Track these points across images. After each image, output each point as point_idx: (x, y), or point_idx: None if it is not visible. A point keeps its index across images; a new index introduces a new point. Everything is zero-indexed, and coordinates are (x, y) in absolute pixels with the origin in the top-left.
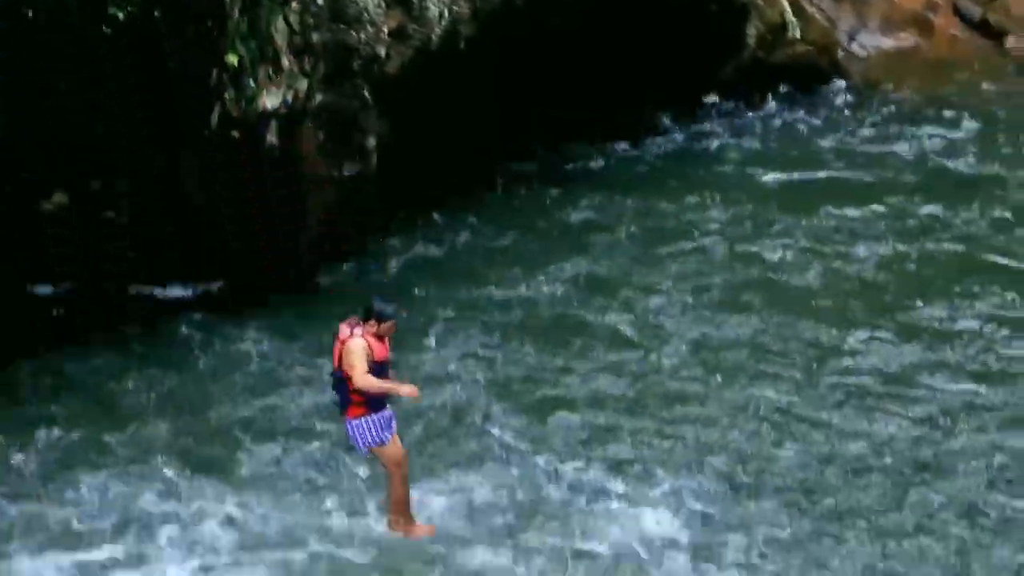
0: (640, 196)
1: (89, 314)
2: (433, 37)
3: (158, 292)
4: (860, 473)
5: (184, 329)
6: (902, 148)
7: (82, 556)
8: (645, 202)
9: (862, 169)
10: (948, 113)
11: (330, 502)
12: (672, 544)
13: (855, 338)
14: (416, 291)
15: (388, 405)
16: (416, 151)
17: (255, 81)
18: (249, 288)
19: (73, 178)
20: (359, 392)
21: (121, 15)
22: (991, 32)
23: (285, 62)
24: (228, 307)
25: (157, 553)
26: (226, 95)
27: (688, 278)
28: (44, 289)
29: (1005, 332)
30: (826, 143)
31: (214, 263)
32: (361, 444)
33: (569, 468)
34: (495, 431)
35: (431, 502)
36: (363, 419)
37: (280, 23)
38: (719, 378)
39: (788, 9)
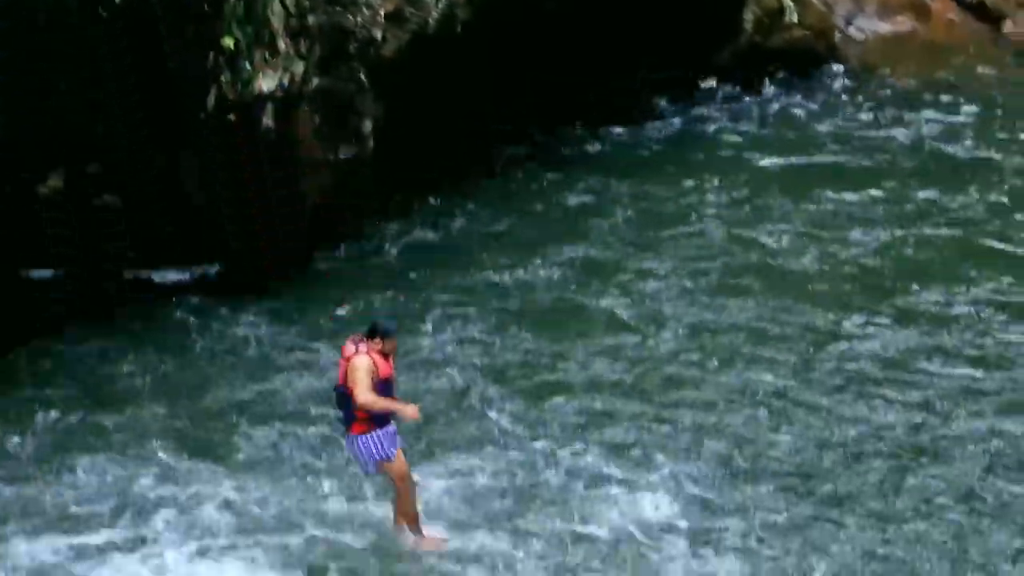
0: (637, 180)
1: (86, 298)
2: (430, 20)
3: (155, 276)
4: (858, 458)
5: (181, 313)
6: (899, 132)
7: (79, 539)
8: (642, 186)
9: (859, 153)
10: (945, 97)
11: (328, 486)
12: (670, 528)
13: (852, 322)
14: (413, 275)
15: (392, 421)
16: (412, 135)
17: (251, 64)
18: (246, 272)
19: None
20: (363, 409)
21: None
22: (988, 16)
23: (281, 45)
24: (225, 291)
25: (154, 536)
26: (222, 78)
27: (685, 262)
28: (41, 274)
29: (1002, 317)
30: (823, 127)
31: (211, 247)
32: (366, 460)
33: (567, 452)
34: (493, 415)
35: (430, 486)
36: (368, 435)
37: (276, 6)
38: (716, 362)
39: None
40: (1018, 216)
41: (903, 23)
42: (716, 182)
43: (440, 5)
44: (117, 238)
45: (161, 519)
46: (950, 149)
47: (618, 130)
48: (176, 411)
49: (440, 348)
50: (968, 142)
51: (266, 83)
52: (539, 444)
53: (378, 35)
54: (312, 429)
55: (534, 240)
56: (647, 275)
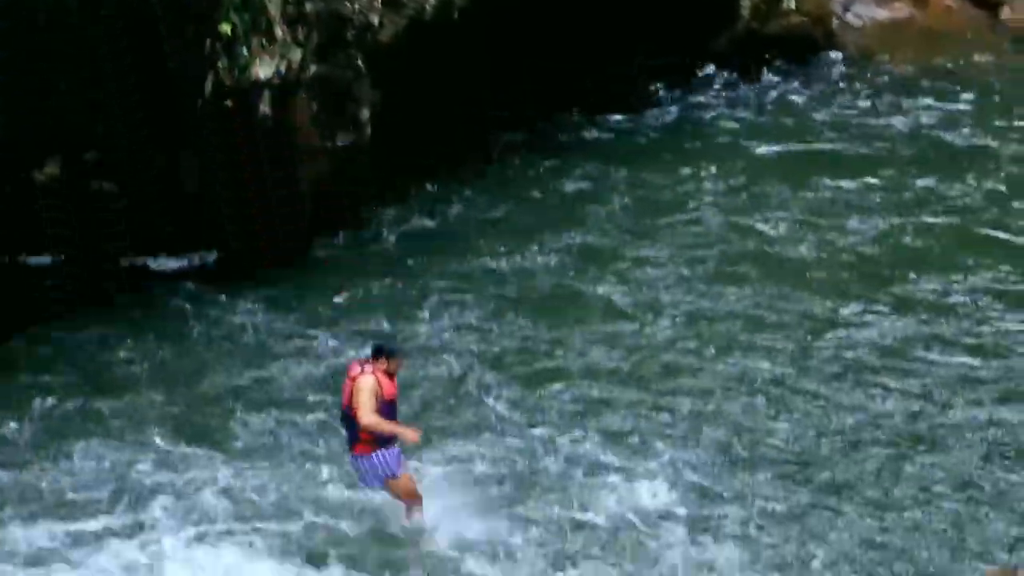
0: (634, 167)
1: (84, 285)
2: (427, 7)
3: (152, 264)
4: (856, 446)
5: (178, 300)
6: (897, 120)
7: (76, 525)
8: (639, 173)
9: (857, 141)
10: (943, 84)
11: (326, 472)
12: (668, 515)
13: (850, 311)
14: (410, 262)
15: (396, 442)
16: (410, 121)
17: (248, 51)
18: (243, 259)
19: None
20: (366, 430)
21: None
22: (986, 2)
23: (278, 32)
24: (222, 278)
25: (152, 522)
26: (219, 64)
27: (683, 250)
28: (39, 260)
29: (1000, 305)
30: (820, 115)
31: (209, 235)
32: (371, 478)
33: (565, 440)
34: (491, 402)
35: (428, 473)
36: (373, 455)
37: None
38: (714, 350)
39: None
40: (1016, 204)
41: (901, 9)
42: (713, 169)
43: None
44: (115, 225)
45: (159, 505)
46: (948, 136)
47: (615, 117)
48: (174, 398)
49: (438, 335)
50: (966, 129)
51: (263, 70)
52: (537, 431)
53: (375, 21)
54: (310, 416)
55: (531, 227)
56: (644, 262)
